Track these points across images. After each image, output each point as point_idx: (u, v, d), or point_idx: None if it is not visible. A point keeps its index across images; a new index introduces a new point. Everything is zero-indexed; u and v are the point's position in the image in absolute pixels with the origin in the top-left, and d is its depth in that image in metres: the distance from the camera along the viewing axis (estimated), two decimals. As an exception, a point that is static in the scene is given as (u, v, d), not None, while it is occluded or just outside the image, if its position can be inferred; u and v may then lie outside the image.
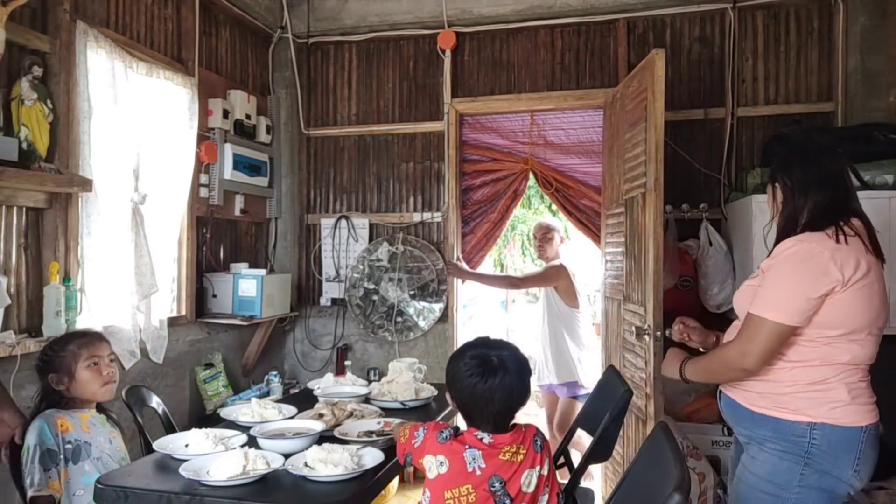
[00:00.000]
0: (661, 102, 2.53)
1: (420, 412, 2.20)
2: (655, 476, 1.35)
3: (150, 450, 1.94)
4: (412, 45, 3.75)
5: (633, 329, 2.70)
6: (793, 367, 1.53)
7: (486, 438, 1.47)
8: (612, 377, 2.32)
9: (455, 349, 3.61)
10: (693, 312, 3.18)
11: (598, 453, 2.05)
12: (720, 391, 1.76)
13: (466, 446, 1.45)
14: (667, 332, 2.06)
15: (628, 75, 3.02)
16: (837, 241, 1.48)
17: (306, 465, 1.59)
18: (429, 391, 2.33)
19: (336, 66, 3.88)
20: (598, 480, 3.30)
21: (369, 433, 1.85)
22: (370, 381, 2.57)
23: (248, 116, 3.45)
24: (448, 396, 1.59)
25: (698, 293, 3.20)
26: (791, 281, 1.49)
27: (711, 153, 3.33)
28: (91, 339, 1.89)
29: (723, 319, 3.12)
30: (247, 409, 2.08)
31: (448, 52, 3.63)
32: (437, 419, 2.14)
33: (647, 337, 2.57)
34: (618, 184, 3.05)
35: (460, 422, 1.73)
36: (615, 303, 3.14)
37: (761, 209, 2.73)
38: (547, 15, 3.50)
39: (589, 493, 2.23)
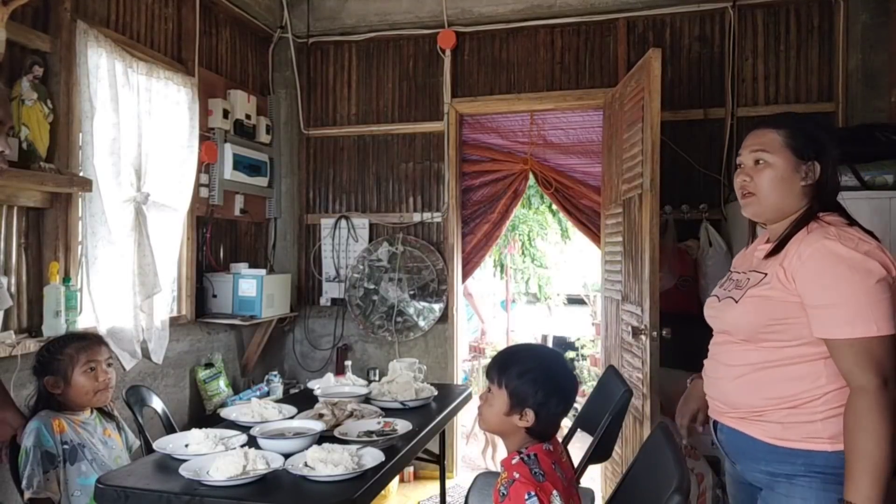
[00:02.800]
0: (657, 102, 2.53)
1: (420, 412, 2.20)
2: (655, 477, 1.36)
3: (150, 450, 1.95)
4: (412, 45, 3.75)
5: (631, 329, 2.70)
6: (827, 391, 1.30)
7: (546, 446, 1.39)
8: (611, 377, 2.32)
9: (454, 349, 3.63)
10: (693, 312, 3.19)
11: (598, 453, 2.05)
12: (716, 422, 1.50)
13: (553, 464, 1.36)
14: (682, 439, 1.74)
15: (627, 75, 3.02)
16: (864, 238, 1.31)
17: (306, 465, 1.59)
18: (429, 391, 2.33)
19: (336, 65, 3.88)
20: (597, 480, 3.30)
21: (369, 433, 1.86)
22: (370, 381, 2.57)
23: (248, 116, 3.45)
24: (523, 417, 1.36)
25: (698, 293, 3.20)
26: (862, 285, 1.24)
27: (711, 153, 3.33)
28: (89, 342, 1.87)
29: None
30: (247, 409, 2.08)
31: (448, 52, 3.63)
32: (437, 419, 2.14)
33: (643, 337, 2.57)
34: (616, 184, 3.05)
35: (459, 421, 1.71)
36: (614, 303, 3.14)
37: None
38: (547, 14, 3.50)
39: (588, 493, 2.24)
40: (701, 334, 3.23)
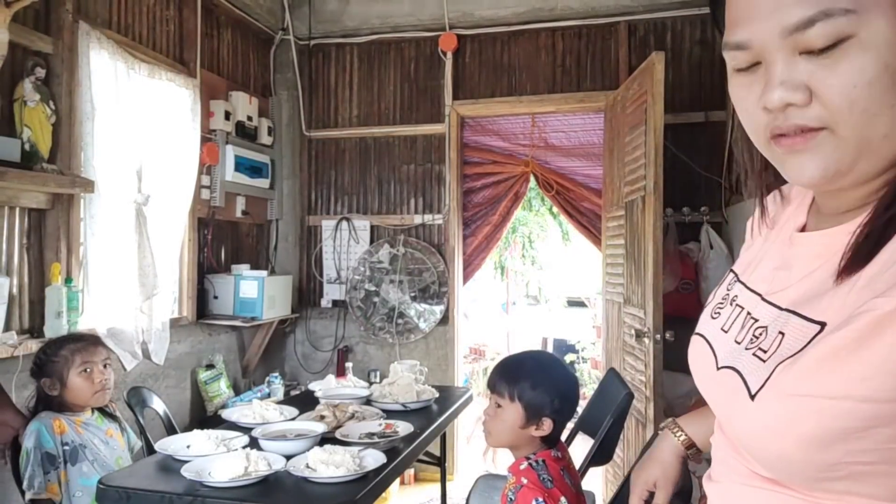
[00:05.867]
0: (660, 105, 2.54)
1: (421, 414, 2.20)
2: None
3: (151, 451, 1.95)
4: (413, 48, 3.76)
5: (633, 332, 2.70)
6: None
7: (555, 452, 1.39)
8: (612, 380, 2.32)
9: (455, 351, 3.63)
10: (694, 315, 3.19)
11: (600, 456, 2.05)
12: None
13: (562, 470, 1.36)
14: None
15: (629, 78, 3.03)
16: None
17: (308, 466, 1.59)
18: (430, 393, 2.33)
19: (337, 67, 3.89)
20: (599, 483, 3.30)
21: (371, 435, 1.86)
22: (371, 383, 2.57)
23: (249, 118, 3.45)
24: (540, 426, 1.35)
25: (699, 296, 3.20)
26: None
27: (713, 156, 3.33)
28: (85, 344, 1.87)
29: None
30: (248, 411, 2.08)
31: (449, 55, 3.64)
32: (438, 421, 2.14)
33: (646, 339, 2.57)
34: (618, 186, 3.06)
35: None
36: (615, 305, 3.14)
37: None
38: (548, 17, 3.51)
39: (590, 496, 2.23)
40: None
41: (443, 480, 2.67)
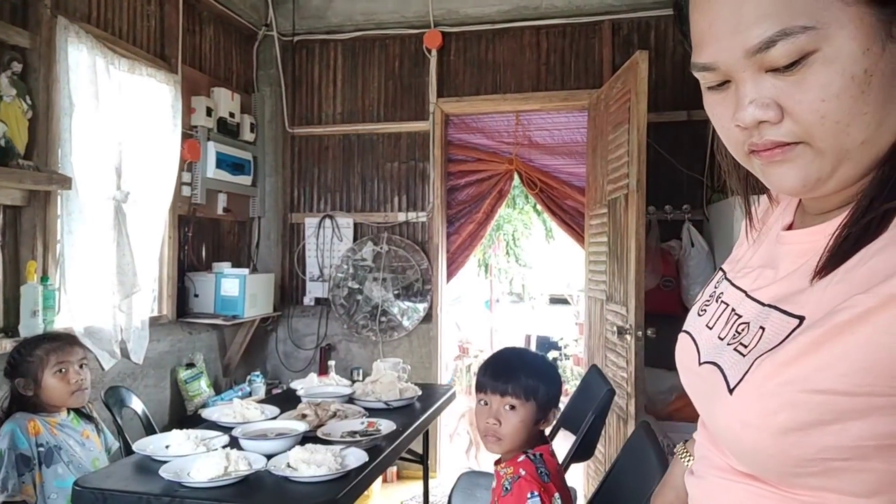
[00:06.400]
0: (644, 104, 2.55)
1: (404, 412, 2.20)
2: (637, 476, 1.37)
3: (129, 451, 1.92)
4: (398, 45, 3.74)
5: (616, 328, 2.72)
6: None
7: (551, 448, 1.41)
8: (594, 376, 2.34)
9: (438, 349, 3.63)
10: (675, 312, 3.22)
11: (581, 452, 2.06)
12: None
13: (557, 466, 1.39)
14: None
15: (612, 76, 3.04)
16: None
17: (289, 465, 1.58)
18: (412, 391, 2.33)
19: (321, 64, 3.86)
20: (580, 479, 3.32)
21: (353, 433, 1.85)
22: (353, 381, 2.56)
23: (231, 114, 3.42)
24: (547, 419, 1.39)
25: (680, 293, 3.23)
26: None
27: (694, 155, 3.36)
28: (60, 343, 1.84)
29: (704, 319, 3.16)
30: (229, 410, 2.06)
31: (434, 52, 3.63)
32: (420, 419, 2.13)
33: (628, 336, 2.59)
34: (601, 185, 3.07)
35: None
36: (598, 302, 3.16)
37: (742, 210, 2.76)
38: (532, 16, 3.52)
39: (572, 491, 2.25)
40: (683, 334, 3.23)
41: (425, 478, 2.67)
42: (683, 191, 3.34)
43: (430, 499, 2.77)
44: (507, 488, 1.29)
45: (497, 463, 1.41)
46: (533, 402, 1.34)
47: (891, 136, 0.51)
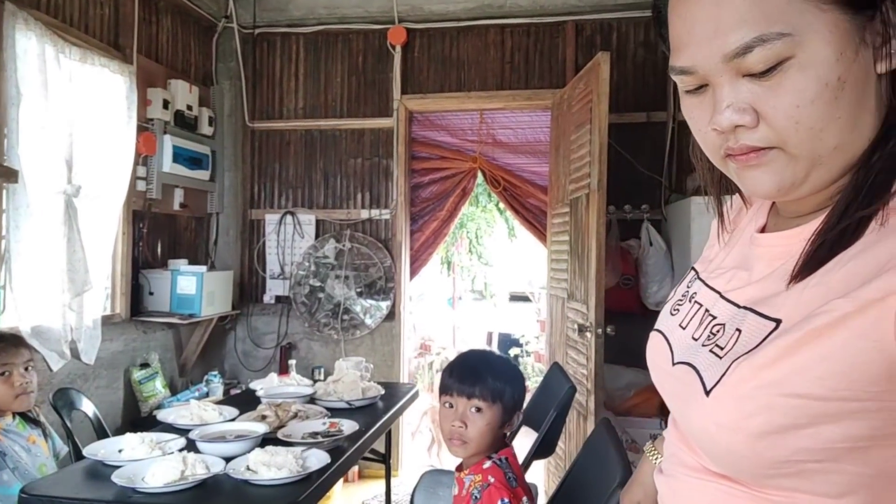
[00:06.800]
0: (605, 105, 2.59)
1: (366, 412, 2.18)
2: (598, 472, 1.39)
3: (79, 456, 1.85)
4: (361, 40, 3.70)
5: (577, 326, 2.75)
6: None
7: (513, 450, 1.41)
8: (556, 374, 2.36)
9: (401, 347, 3.62)
10: (634, 310, 3.28)
11: (543, 450, 2.08)
12: None
13: (521, 467, 1.39)
14: None
15: (575, 77, 3.07)
16: None
17: (248, 468, 1.54)
18: (375, 390, 2.31)
19: (283, 58, 3.79)
20: (540, 475, 3.35)
21: (314, 434, 1.83)
22: (315, 381, 2.53)
23: (189, 107, 3.33)
24: (512, 422, 1.39)
25: (639, 291, 3.30)
26: None
27: (654, 156, 3.43)
28: (4, 345, 1.76)
29: (662, 317, 3.23)
30: (185, 412, 2.01)
31: (398, 48, 3.60)
32: (383, 419, 2.12)
33: (589, 334, 2.63)
34: (563, 184, 3.10)
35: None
36: (559, 300, 3.19)
37: (699, 210, 2.84)
38: (497, 14, 3.52)
39: (532, 488, 2.27)
40: (642, 331, 3.30)
41: (387, 477, 2.66)
42: (642, 190, 3.41)
43: (392, 498, 2.75)
44: (476, 497, 1.29)
45: (459, 469, 1.39)
46: (499, 405, 1.34)
47: (862, 142, 0.51)
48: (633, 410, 3.08)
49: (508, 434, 1.41)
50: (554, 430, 2.09)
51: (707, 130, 0.55)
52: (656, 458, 0.86)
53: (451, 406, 1.36)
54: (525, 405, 2.34)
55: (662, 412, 2.98)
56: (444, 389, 1.38)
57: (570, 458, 2.89)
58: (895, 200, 0.50)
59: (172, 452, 1.62)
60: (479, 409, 1.33)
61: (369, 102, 3.70)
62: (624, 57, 3.47)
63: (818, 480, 0.50)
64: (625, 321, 2.89)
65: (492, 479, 1.29)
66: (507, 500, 1.24)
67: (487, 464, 1.33)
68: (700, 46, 0.52)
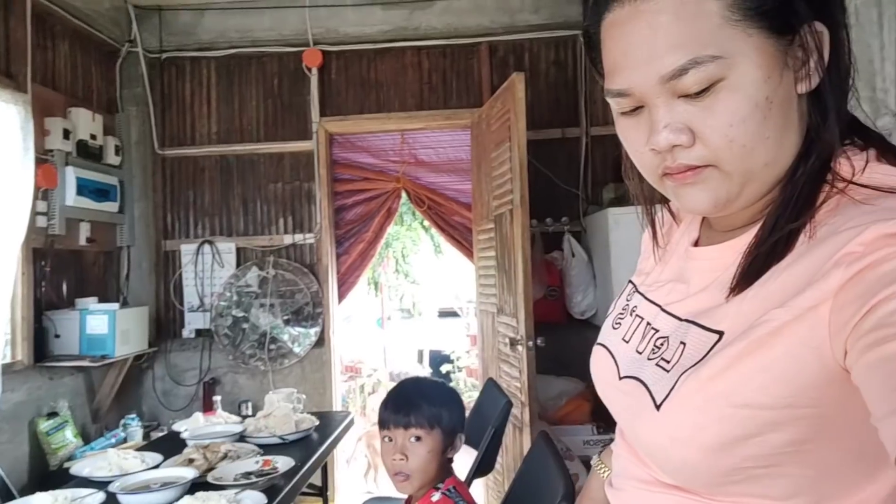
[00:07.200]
0: (523, 123, 2.66)
1: (301, 445, 2.11)
2: (541, 486, 1.40)
3: (-18, 522, 1.68)
4: (276, 63, 3.64)
5: (508, 340, 2.79)
6: None
7: (456, 477, 1.40)
8: (491, 389, 2.38)
9: (332, 373, 3.54)
10: (560, 320, 3.37)
11: (483, 467, 2.09)
12: None
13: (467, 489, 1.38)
14: None
15: (492, 97, 3.15)
16: None
17: (178, 518, 1.46)
18: (309, 422, 2.25)
19: (193, 82, 3.66)
20: (480, 491, 3.36)
21: (247, 475, 1.75)
22: (243, 417, 2.43)
23: (93, 136, 3.14)
24: (453, 446, 1.39)
25: (564, 302, 3.39)
26: None
27: (570, 170, 3.56)
28: None
29: (587, 325, 3.34)
30: (102, 462, 1.87)
31: (315, 71, 3.57)
32: (319, 451, 2.06)
33: (520, 347, 2.67)
34: (487, 200, 3.16)
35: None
36: (489, 315, 3.23)
37: (616, 221, 2.96)
38: (413, 36, 3.56)
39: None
40: (570, 341, 3.39)
41: (326, 510, 2.58)
42: (561, 204, 3.52)
43: (332, 531, 2.67)
44: None
45: (408, 502, 1.37)
46: (438, 430, 1.33)
47: (788, 158, 0.55)
48: (566, 419, 3.15)
49: (452, 457, 1.39)
50: (493, 447, 2.10)
51: (644, 151, 0.56)
52: (604, 472, 0.88)
53: (391, 440, 1.34)
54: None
55: (594, 419, 3.07)
56: (382, 424, 1.36)
57: (507, 471, 2.91)
58: (820, 213, 0.53)
59: (91, 509, 1.51)
60: (418, 438, 1.32)
61: (287, 125, 3.63)
62: (537, 76, 3.59)
63: (765, 484, 0.52)
64: (553, 332, 2.96)
65: None
66: None
67: (436, 496, 1.32)
68: (636, 69, 0.54)
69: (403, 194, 3.73)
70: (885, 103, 1.84)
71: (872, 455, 0.50)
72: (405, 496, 1.38)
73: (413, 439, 1.32)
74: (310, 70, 3.57)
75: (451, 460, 1.40)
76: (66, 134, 2.95)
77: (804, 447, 0.50)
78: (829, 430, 0.50)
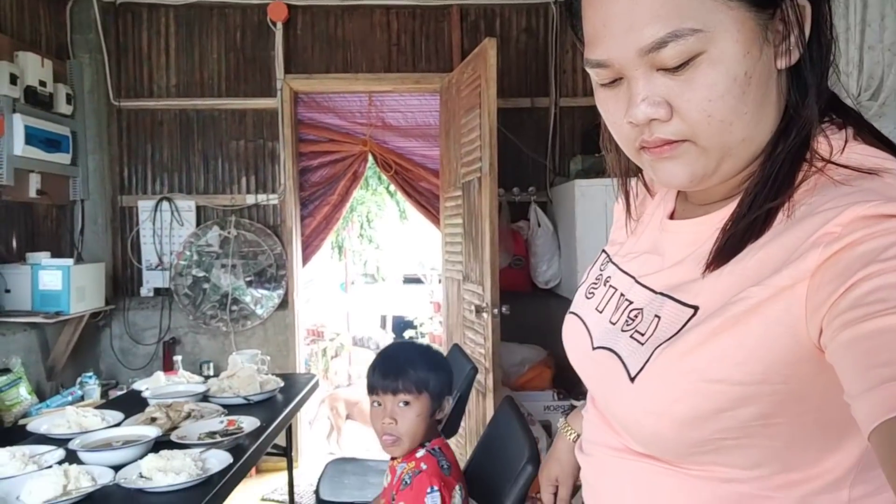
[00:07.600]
0: (493, 90, 2.64)
1: (266, 406, 2.11)
2: (507, 449, 1.44)
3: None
4: (239, 15, 3.50)
5: (473, 307, 2.82)
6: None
7: (444, 438, 1.43)
8: (456, 355, 2.41)
9: (296, 336, 3.52)
10: (524, 289, 3.42)
11: (448, 430, 2.13)
12: None
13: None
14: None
15: (463, 62, 3.11)
16: None
17: (142, 476, 1.44)
18: (274, 383, 2.24)
19: (150, 31, 3.49)
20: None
21: (212, 434, 1.74)
22: (205, 377, 2.40)
23: (42, 83, 2.98)
24: (441, 408, 1.41)
25: (529, 271, 3.44)
26: None
27: (538, 140, 3.57)
28: None
29: (551, 295, 3.40)
30: (61, 420, 1.83)
31: (280, 25, 3.45)
32: (284, 412, 2.06)
33: (485, 314, 2.71)
34: (455, 168, 3.15)
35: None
36: (455, 283, 3.25)
37: (583, 193, 3.00)
38: (382, -5, 3.47)
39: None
40: (534, 309, 3.45)
41: (290, 471, 2.60)
42: (529, 173, 3.54)
43: (295, 489, 2.70)
44: (406, 482, 1.30)
45: (393, 458, 1.40)
46: (426, 394, 1.35)
47: (766, 134, 0.55)
48: (528, 385, 3.22)
49: (441, 419, 1.41)
50: (457, 411, 2.14)
51: (622, 123, 0.56)
52: (570, 434, 0.92)
53: (380, 405, 1.36)
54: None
55: (555, 385, 3.15)
56: (371, 389, 1.38)
57: (471, 435, 2.98)
58: (799, 192, 0.53)
59: (50, 466, 1.48)
60: (406, 403, 1.34)
61: (250, 81, 3.52)
62: (507, 43, 3.55)
63: (734, 454, 0.54)
64: (517, 300, 3.01)
65: (424, 466, 1.31)
66: (436, 487, 1.26)
67: (421, 452, 1.35)
68: (615, 40, 0.53)
69: (370, 158, 3.68)
70: (846, 86, 1.90)
71: (837, 427, 0.52)
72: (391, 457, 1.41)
73: (401, 404, 1.34)
74: (274, 24, 3.45)
75: (439, 422, 1.42)
76: (13, 79, 2.79)
77: (773, 421, 0.52)
78: (798, 405, 0.51)
